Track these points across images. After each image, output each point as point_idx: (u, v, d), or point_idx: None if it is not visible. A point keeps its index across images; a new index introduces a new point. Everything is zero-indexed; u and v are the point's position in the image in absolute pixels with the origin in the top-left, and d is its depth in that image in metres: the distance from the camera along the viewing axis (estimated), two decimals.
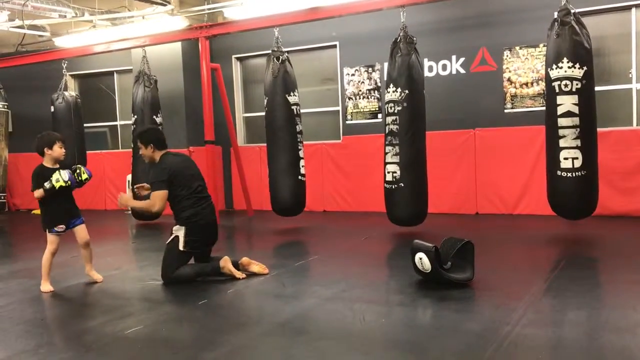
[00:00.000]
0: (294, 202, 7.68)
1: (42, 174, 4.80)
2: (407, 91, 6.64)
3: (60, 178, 4.75)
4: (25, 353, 3.40)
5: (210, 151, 8.50)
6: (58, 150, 4.87)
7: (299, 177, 7.63)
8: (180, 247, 4.85)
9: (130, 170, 9.07)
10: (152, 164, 5.05)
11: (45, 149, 4.85)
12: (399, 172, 6.69)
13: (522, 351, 3.11)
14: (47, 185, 4.73)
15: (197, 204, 4.94)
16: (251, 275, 5.02)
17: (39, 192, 4.75)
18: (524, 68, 7.92)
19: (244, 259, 5.05)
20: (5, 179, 10.95)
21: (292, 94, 7.62)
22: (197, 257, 5.08)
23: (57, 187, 4.73)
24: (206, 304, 4.30)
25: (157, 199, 4.85)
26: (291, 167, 7.57)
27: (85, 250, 5.05)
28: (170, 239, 4.94)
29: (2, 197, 10.12)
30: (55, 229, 4.86)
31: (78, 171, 4.89)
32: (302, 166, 7.68)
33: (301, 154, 7.68)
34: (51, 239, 4.87)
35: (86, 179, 4.92)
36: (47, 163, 4.87)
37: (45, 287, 4.86)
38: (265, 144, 8.00)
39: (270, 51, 7.71)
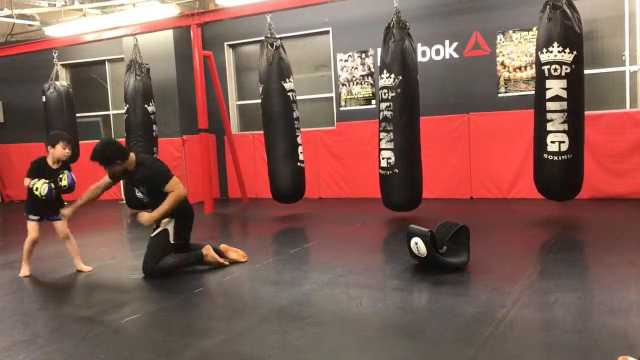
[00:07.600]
0: (295, 189, 7.68)
1: (39, 169, 4.86)
2: (400, 77, 6.61)
3: (40, 190, 4.77)
4: (22, 343, 3.40)
5: (204, 139, 8.47)
6: (60, 151, 4.90)
7: (298, 163, 7.63)
8: (171, 240, 4.82)
9: None
10: (143, 170, 4.83)
11: (49, 147, 4.90)
12: (393, 158, 6.69)
13: (518, 333, 3.13)
14: (30, 184, 4.82)
15: None
16: (233, 262, 5.05)
17: (26, 182, 4.87)
18: (518, 52, 7.91)
19: (223, 246, 5.06)
20: None
21: (287, 80, 7.58)
22: (179, 248, 4.98)
23: (35, 193, 4.82)
24: (202, 292, 4.31)
25: (177, 185, 4.75)
26: (290, 154, 7.55)
27: (68, 244, 5.13)
28: (155, 232, 4.86)
29: None
30: (30, 216, 4.97)
31: (61, 175, 4.87)
32: (301, 152, 7.67)
33: (299, 140, 7.67)
34: (30, 227, 5.00)
35: (64, 187, 4.85)
36: (49, 159, 4.93)
37: (23, 271, 5.05)
38: (259, 132, 7.97)
39: (263, 38, 7.66)
